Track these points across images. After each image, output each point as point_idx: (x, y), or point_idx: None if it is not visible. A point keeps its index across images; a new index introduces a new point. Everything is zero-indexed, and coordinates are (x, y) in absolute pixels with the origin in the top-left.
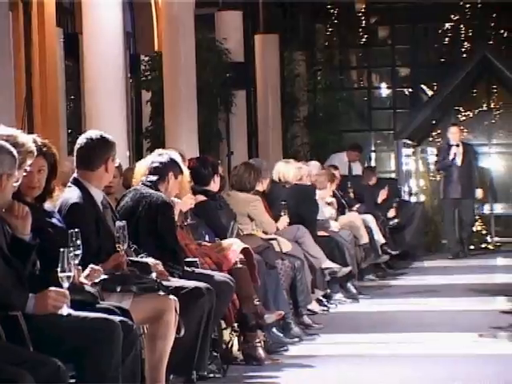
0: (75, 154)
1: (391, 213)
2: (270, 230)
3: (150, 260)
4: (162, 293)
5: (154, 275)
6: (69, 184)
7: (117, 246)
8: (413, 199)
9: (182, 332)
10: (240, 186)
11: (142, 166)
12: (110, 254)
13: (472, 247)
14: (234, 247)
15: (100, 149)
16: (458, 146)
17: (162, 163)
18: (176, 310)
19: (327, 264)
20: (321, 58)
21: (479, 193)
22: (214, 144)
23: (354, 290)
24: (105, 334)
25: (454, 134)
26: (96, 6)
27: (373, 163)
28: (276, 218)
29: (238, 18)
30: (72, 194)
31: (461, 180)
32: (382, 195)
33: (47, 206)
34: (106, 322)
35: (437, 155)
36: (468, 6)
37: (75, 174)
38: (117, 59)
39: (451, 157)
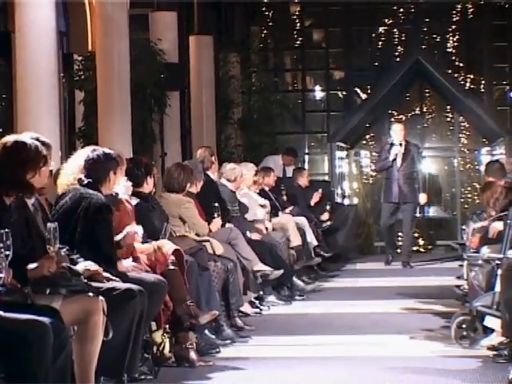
0: None
1: (324, 216)
2: (202, 231)
3: (86, 263)
4: (91, 294)
5: (83, 277)
6: None
7: (47, 247)
8: (346, 202)
9: (110, 335)
10: (171, 188)
11: (74, 166)
12: (42, 256)
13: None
14: (166, 248)
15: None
16: (400, 145)
17: (99, 161)
18: (104, 312)
19: (259, 266)
20: (255, 60)
21: (423, 197)
22: (148, 145)
23: (287, 292)
24: (35, 335)
25: (397, 131)
26: (29, 4)
27: (306, 166)
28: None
29: (172, 18)
30: None
31: (400, 183)
32: (315, 198)
33: None
34: (36, 323)
35: (378, 155)
36: (401, 10)
37: None
38: (49, 58)
39: (391, 157)
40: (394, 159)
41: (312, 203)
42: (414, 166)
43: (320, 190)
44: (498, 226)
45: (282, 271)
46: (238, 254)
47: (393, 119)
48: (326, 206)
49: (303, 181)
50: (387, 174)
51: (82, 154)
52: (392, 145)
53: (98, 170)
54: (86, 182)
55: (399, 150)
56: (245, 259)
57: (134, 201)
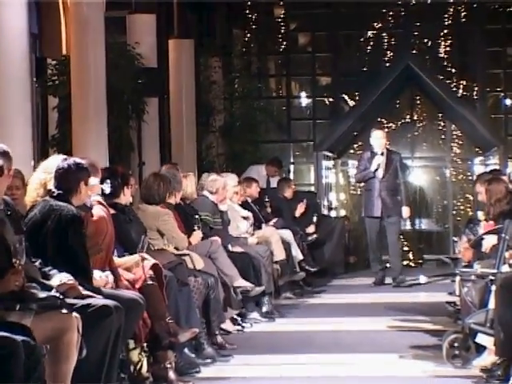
0: None
1: (310, 228)
2: (181, 245)
3: (62, 275)
4: (64, 311)
5: (54, 291)
6: None
7: (13, 260)
8: (333, 214)
9: (84, 353)
10: (149, 199)
11: (40, 178)
12: (7, 270)
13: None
14: (144, 263)
15: None
16: (382, 154)
17: (70, 171)
18: (78, 330)
19: (240, 282)
20: (238, 65)
21: (405, 211)
22: (125, 154)
23: (270, 309)
24: (5, 354)
25: (377, 139)
26: None
27: (291, 176)
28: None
29: (151, 21)
30: None
31: (383, 195)
32: (300, 208)
33: None
34: (6, 341)
35: (357, 166)
36: (391, 13)
37: None
38: (21, 62)
39: (373, 167)
40: (376, 169)
41: (297, 214)
42: (397, 177)
43: (304, 201)
44: (492, 240)
45: (263, 288)
46: (218, 269)
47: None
48: (313, 217)
49: (289, 192)
50: (368, 186)
51: (48, 164)
52: (373, 154)
53: (68, 181)
54: (56, 193)
55: (381, 159)
56: (225, 274)
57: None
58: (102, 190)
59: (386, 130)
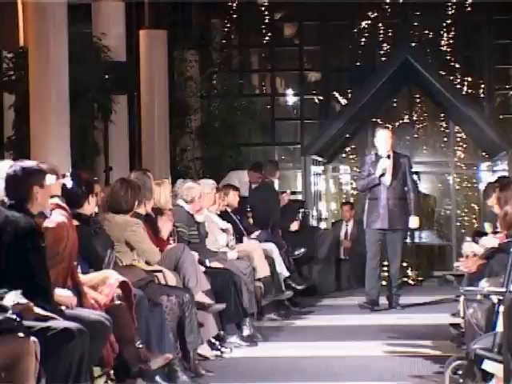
0: None
1: (294, 225)
2: (153, 259)
3: (14, 294)
4: (21, 334)
5: (11, 312)
6: None
7: None
8: (322, 225)
9: (43, 383)
10: (116, 208)
11: None
12: None
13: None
14: (110, 280)
15: None
16: (388, 157)
17: (17, 178)
18: (36, 356)
19: (199, 296)
20: (217, 59)
21: (414, 222)
22: (90, 158)
23: (252, 332)
24: None
25: (383, 140)
26: None
27: (276, 183)
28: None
29: (119, 10)
30: None
31: (391, 205)
32: (283, 200)
33: None
34: None
35: (360, 170)
36: (387, 1)
37: None
38: None
39: (378, 172)
40: (382, 175)
41: (293, 228)
42: (405, 183)
43: (288, 191)
44: (492, 242)
45: (223, 305)
46: (182, 279)
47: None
48: (298, 213)
49: (282, 201)
50: (372, 194)
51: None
52: (378, 157)
53: (18, 188)
54: (8, 203)
55: (387, 163)
56: (186, 284)
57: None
58: (64, 186)
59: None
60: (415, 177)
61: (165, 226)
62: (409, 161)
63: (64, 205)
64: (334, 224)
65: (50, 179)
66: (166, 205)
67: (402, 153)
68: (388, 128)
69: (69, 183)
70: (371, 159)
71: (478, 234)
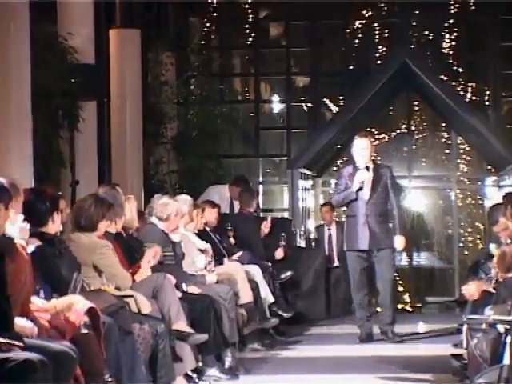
0: None
1: (278, 253)
2: (124, 284)
3: None
4: None
5: None
6: None
7: None
8: (311, 246)
9: None
10: (83, 226)
11: None
12: None
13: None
14: (77, 306)
15: None
16: (367, 168)
17: None
18: None
19: (179, 325)
20: (195, 62)
21: (399, 242)
22: (55, 171)
23: (234, 363)
24: None
25: (360, 150)
26: None
27: (260, 199)
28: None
29: (87, 7)
30: None
31: (370, 222)
32: (265, 228)
33: None
34: None
35: (336, 184)
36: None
37: None
38: None
39: (356, 186)
40: (360, 189)
41: (262, 235)
42: (387, 198)
43: (269, 218)
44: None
45: (205, 336)
46: (160, 308)
47: (372, 139)
48: (281, 239)
49: (254, 206)
50: (350, 211)
51: None
52: (356, 169)
53: None
54: None
55: (366, 175)
56: (164, 314)
57: (32, 246)
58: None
59: (376, 141)
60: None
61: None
62: (391, 172)
63: (25, 245)
64: (316, 230)
65: (18, 224)
66: (132, 223)
67: (383, 163)
68: (366, 136)
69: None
70: (348, 171)
71: (483, 256)
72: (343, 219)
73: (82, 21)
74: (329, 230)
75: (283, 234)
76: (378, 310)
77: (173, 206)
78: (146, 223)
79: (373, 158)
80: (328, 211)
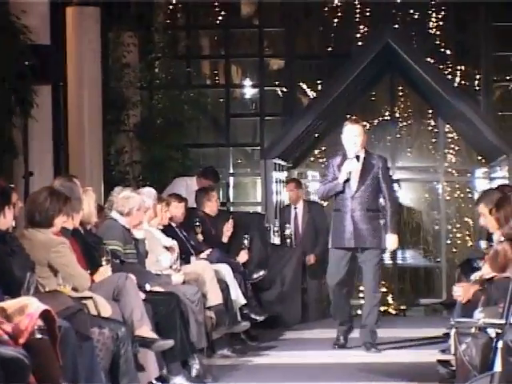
0: None
1: (241, 257)
2: (82, 285)
3: None
4: None
5: None
6: None
7: None
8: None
9: None
10: (37, 222)
11: None
12: None
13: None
14: (30, 309)
15: None
16: (357, 158)
17: None
18: None
19: (142, 331)
20: (160, 43)
21: (392, 241)
22: (6, 161)
23: (201, 371)
24: None
25: (352, 137)
26: None
27: (231, 192)
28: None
29: None
30: None
31: (357, 217)
32: (227, 230)
33: None
34: None
35: (324, 175)
36: None
37: None
38: None
39: (342, 177)
40: (347, 180)
41: (225, 240)
42: (378, 191)
43: (231, 221)
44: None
45: (170, 342)
46: (121, 311)
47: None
48: (244, 240)
49: (212, 206)
50: (337, 204)
51: None
52: (345, 158)
53: None
54: None
55: (354, 165)
56: (126, 319)
57: None
58: None
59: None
60: (396, 185)
61: None
62: (384, 163)
63: None
64: (282, 211)
65: None
66: (90, 218)
67: (375, 153)
68: (358, 122)
69: None
70: (337, 161)
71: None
72: (313, 199)
73: None
74: (295, 209)
75: (246, 235)
76: (359, 312)
77: (135, 199)
78: (106, 218)
79: (366, 146)
80: (293, 189)
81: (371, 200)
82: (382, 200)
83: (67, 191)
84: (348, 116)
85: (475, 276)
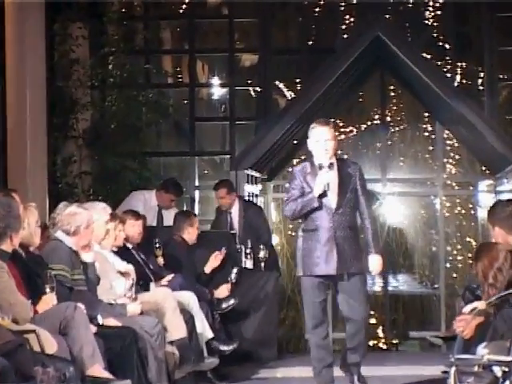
0: None
1: (223, 290)
2: (23, 316)
3: None
4: None
5: None
6: None
7: None
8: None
9: None
10: None
11: None
12: None
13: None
14: None
15: None
16: (331, 166)
17: None
18: None
19: (94, 370)
20: (114, 35)
21: (375, 264)
22: None
23: None
24: None
25: (323, 141)
26: None
27: (196, 208)
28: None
29: None
30: None
31: (339, 238)
32: (215, 261)
33: None
34: None
35: (289, 188)
36: None
37: None
38: None
39: (317, 191)
40: (323, 194)
41: (207, 269)
42: (357, 206)
43: (223, 250)
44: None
45: (127, 382)
46: (69, 347)
47: (337, 133)
48: (232, 274)
49: (192, 234)
50: (310, 223)
51: None
52: (314, 167)
53: None
54: None
55: (330, 176)
56: (75, 356)
57: None
58: None
59: (344, 136)
60: (378, 197)
61: None
62: (360, 170)
63: None
64: (215, 221)
65: None
66: (32, 239)
67: (348, 159)
68: (328, 124)
69: None
70: (304, 171)
71: (475, 280)
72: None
73: None
74: (229, 214)
75: (235, 269)
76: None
77: (82, 215)
78: (50, 239)
79: (337, 152)
80: (225, 196)
81: (352, 216)
82: (358, 216)
83: (4, 208)
84: (332, 120)
85: (467, 309)
